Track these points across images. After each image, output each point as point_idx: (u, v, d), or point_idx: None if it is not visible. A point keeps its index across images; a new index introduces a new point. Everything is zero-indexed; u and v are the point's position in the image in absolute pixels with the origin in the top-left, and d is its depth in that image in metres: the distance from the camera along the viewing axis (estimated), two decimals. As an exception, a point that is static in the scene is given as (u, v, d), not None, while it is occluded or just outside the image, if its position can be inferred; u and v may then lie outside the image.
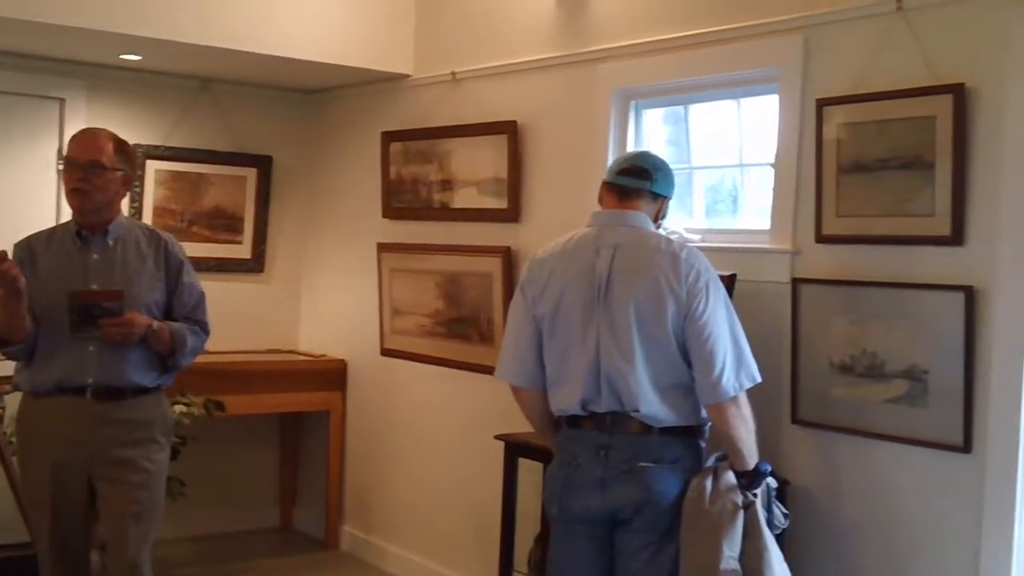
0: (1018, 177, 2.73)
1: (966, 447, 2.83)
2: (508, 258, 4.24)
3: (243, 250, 5.44)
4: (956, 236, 2.86)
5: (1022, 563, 2.74)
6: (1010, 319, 2.74)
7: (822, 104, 3.15)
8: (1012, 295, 2.74)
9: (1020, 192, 2.72)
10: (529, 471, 3.72)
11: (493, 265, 4.31)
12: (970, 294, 2.82)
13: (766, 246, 3.35)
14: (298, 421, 5.62)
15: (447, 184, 4.59)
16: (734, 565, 2.71)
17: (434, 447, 4.73)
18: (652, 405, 2.79)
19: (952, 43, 2.88)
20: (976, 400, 2.82)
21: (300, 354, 5.53)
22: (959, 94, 2.82)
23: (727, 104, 3.69)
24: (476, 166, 4.43)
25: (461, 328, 4.52)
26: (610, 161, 3.52)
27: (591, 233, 2.94)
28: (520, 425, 3.31)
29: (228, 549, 5.22)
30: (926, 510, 2.94)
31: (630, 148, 3.82)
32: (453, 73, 4.55)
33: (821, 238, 3.17)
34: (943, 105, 2.86)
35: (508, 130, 4.25)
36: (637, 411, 2.79)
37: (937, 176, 2.89)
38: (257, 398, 5.03)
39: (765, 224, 3.41)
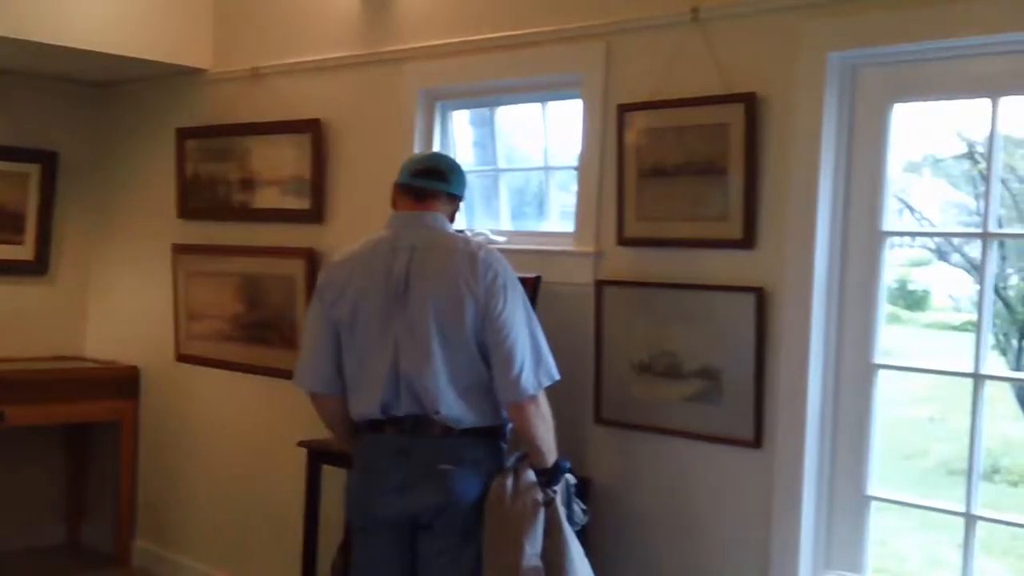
0: (805, 183, 2.86)
1: (757, 442, 2.95)
2: (311, 260, 4.15)
3: (25, 251, 5.13)
4: (748, 240, 2.97)
5: (808, 550, 2.88)
6: (796, 319, 2.87)
7: (623, 110, 3.22)
8: (798, 296, 2.87)
9: (807, 197, 2.86)
10: (333, 478, 3.64)
11: (295, 267, 4.21)
12: (761, 296, 2.93)
13: (570, 248, 3.39)
14: (86, 432, 5.33)
15: (247, 183, 4.44)
16: (536, 562, 2.72)
17: (234, 455, 4.57)
18: (452, 406, 2.78)
19: (744, 54, 3.00)
20: (766, 397, 2.93)
21: (88, 360, 5.25)
22: (750, 103, 2.94)
23: (533, 107, 3.72)
24: (278, 165, 4.31)
25: (262, 332, 4.38)
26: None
27: (388, 235, 2.91)
28: (325, 431, 3.23)
29: (8, 569, 4.89)
30: (720, 502, 3.04)
31: (436, 149, 3.80)
32: (254, 68, 4.41)
33: (622, 240, 3.24)
34: (735, 113, 2.97)
35: (311, 128, 4.15)
36: (438, 413, 2.77)
37: (730, 182, 2.99)
38: (41, 408, 4.75)
39: (570, 227, 3.46)
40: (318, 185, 4.16)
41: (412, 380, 2.78)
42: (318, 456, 3.70)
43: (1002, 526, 3.08)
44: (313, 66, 4.21)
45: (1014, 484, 7.37)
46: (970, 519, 2.71)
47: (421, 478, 2.78)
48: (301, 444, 3.75)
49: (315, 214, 4.17)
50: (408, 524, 2.82)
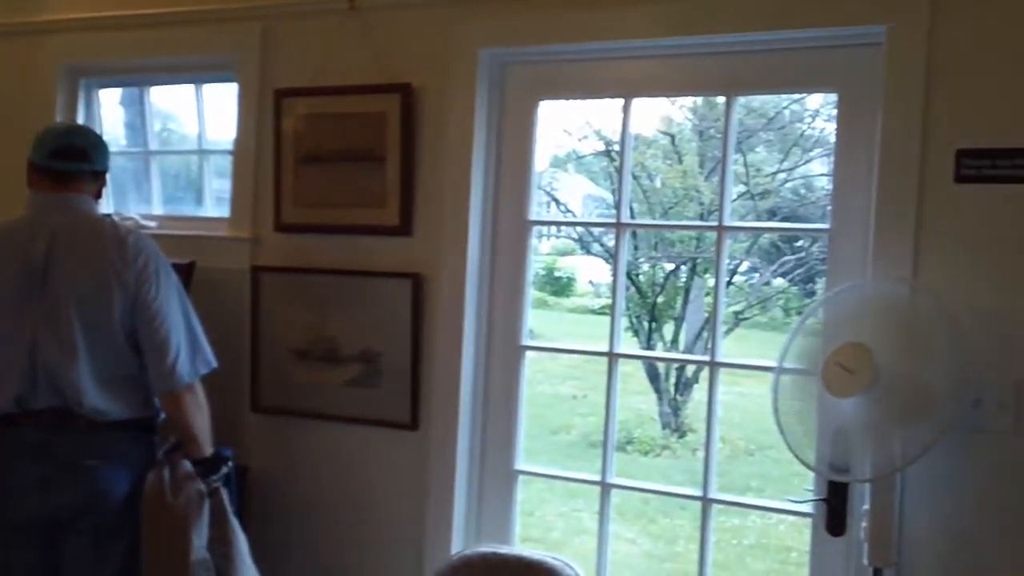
0: (458, 173, 2.97)
1: (413, 424, 3.04)
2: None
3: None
4: (404, 227, 3.05)
5: (460, 524, 3.01)
6: (451, 304, 2.99)
7: (280, 95, 3.19)
8: (452, 282, 2.99)
9: (460, 187, 2.97)
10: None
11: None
12: (417, 281, 3.02)
13: (225, 234, 3.32)
14: None
15: None
16: (204, 554, 2.66)
17: None
18: (98, 399, 2.66)
19: (401, 44, 3.07)
20: (422, 380, 3.03)
21: None
22: (407, 93, 3.02)
23: (188, 89, 3.60)
24: None
25: None
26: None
27: (27, 218, 2.73)
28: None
29: None
30: (380, 484, 3.11)
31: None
32: None
33: (280, 227, 3.22)
34: (392, 103, 3.03)
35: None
36: (81, 406, 2.64)
37: (387, 170, 3.05)
38: None
39: (226, 212, 3.38)
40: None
41: (52, 372, 2.63)
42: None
43: (636, 492, 3.36)
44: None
45: (645, 453, 8.08)
46: (605, 487, 2.94)
47: (63, 475, 2.63)
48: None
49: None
50: (49, 523, 2.66)
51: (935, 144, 2.42)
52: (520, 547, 3.04)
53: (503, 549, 2.85)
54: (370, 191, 3.09)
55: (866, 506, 2.38)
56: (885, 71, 2.47)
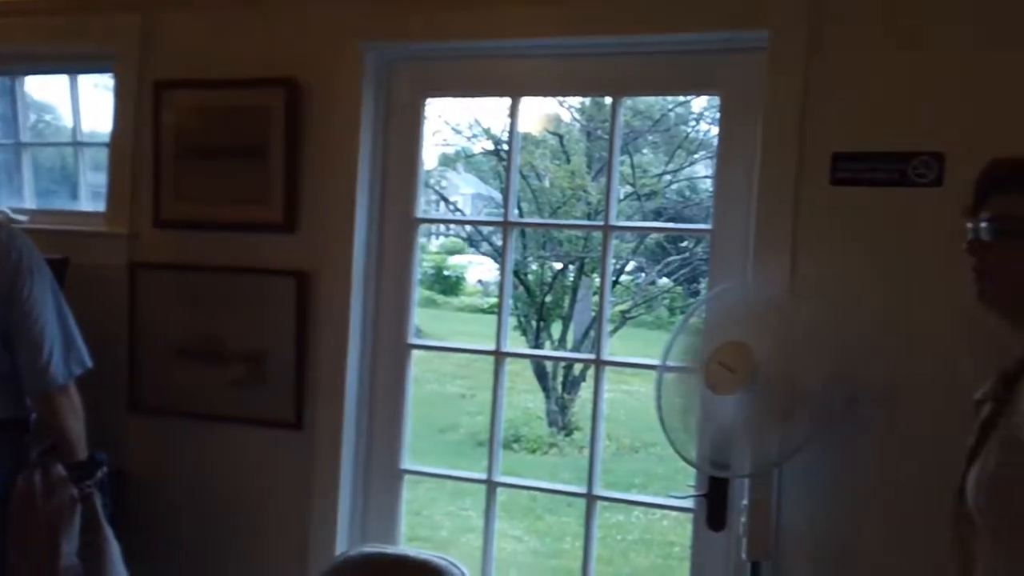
0: (344, 170, 2.94)
1: (298, 424, 2.99)
2: None
3: None
4: (289, 224, 2.99)
5: (345, 525, 2.98)
6: (336, 303, 2.95)
7: (160, 87, 3.11)
8: (338, 280, 2.95)
9: (346, 184, 2.94)
10: None
11: None
12: (302, 279, 2.98)
13: (101, 229, 3.21)
14: None
15: None
16: (73, 561, 2.57)
17: None
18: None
19: (285, 37, 3.01)
20: (308, 380, 2.99)
21: None
22: (291, 88, 2.97)
23: (63, 79, 3.48)
24: None
25: None
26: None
27: None
28: None
29: None
30: (263, 486, 3.05)
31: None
32: None
33: (159, 222, 3.13)
34: (277, 97, 2.98)
35: None
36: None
37: (271, 166, 3.00)
38: None
39: (102, 207, 3.28)
40: None
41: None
42: None
43: (524, 490, 3.37)
44: None
45: (532, 451, 8.13)
46: (491, 486, 2.94)
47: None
48: None
49: None
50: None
51: (812, 147, 2.48)
52: (406, 547, 3.03)
53: (388, 549, 2.83)
54: (254, 187, 3.03)
55: (745, 501, 2.44)
56: (765, 75, 2.52)
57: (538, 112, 8.12)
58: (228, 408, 3.07)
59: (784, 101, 2.50)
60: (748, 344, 2.31)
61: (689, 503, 2.67)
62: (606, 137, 2.82)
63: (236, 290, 3.06)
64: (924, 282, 2.36)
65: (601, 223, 2.85)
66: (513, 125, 2.93)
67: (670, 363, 2.50)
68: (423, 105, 2.98)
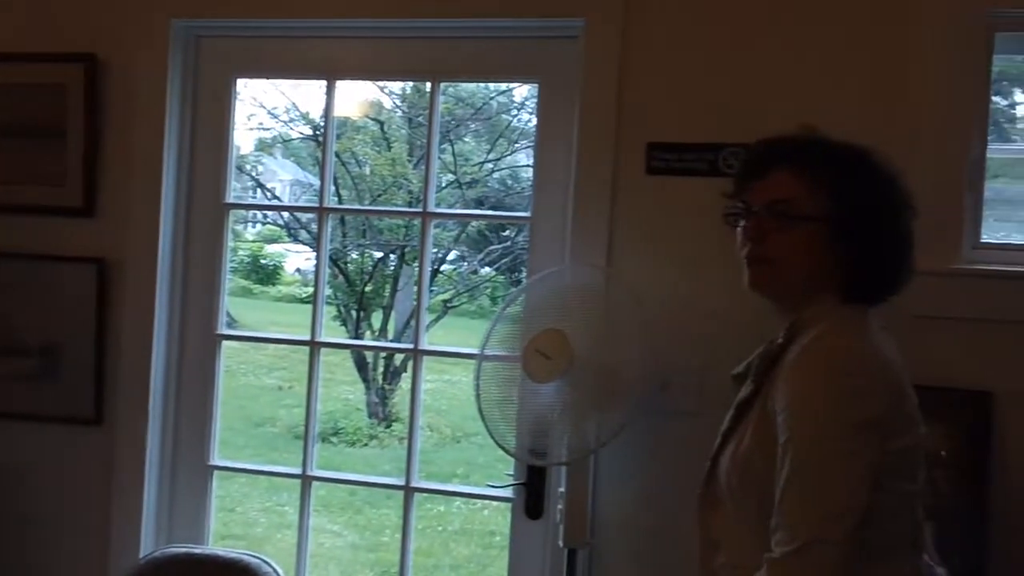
0: (149, 152, 2.79)
1: (98, 419, 2.83)
2: None
3: None
4: (88, 208, 2.83)
5: (151, 526, 2.83)
6: (140, 292, 2.80)
7: (-59, 59, 2.88)
8: (142, 268, 2.80)
9: (151, 166, 2.79)
10: None
11: None
12: (102, 266, 2.81)
13: None
14: None
15: None
16: None
17: None
18: None
19: (82, 10, 2.84)
20: (108, 373, 2.82)
21: None
22: (90, 64, 2.79)
23: None
24: None
25: None
26: None
27: None
28: None
29: None
30: (60, 487, 2.87)
31: None
32: None
33: (-58, 205, 2.90)
34: (74, 74, 2.80)
35: None
36: None
37: (69, 146, 2.82)
38: None
39: None
40: None
41: None
42: None
43: (342, 484, 3.29)
44: None
45: (352, 444, 8.01)
46: (306, 480, 2.85)
47: None
48: None
49: None
50: None
51: (628, 137, 2.51)
52: (216, 546, 2.91)
53: (197, 549, 2.71)
54: (49, 169, 2.85)
55: (562, 489, 2.44)
56: (581, 64, 2.53)
57: (359, 98, 7.98)
58: (17, 404, 2.88)
59: (600, 90, 2.51)
60: (565, 332, 2.31)
61: (508, 492, 2.66)
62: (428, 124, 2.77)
63: (29, 278, 2.87)
64: (733, 269, 2.41)
65: (420, 210, 2.81)
66: (329, 108, 2.84)
67: (488, 352, 2.48)
68: (234, 85, 2.86)
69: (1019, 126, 3.14)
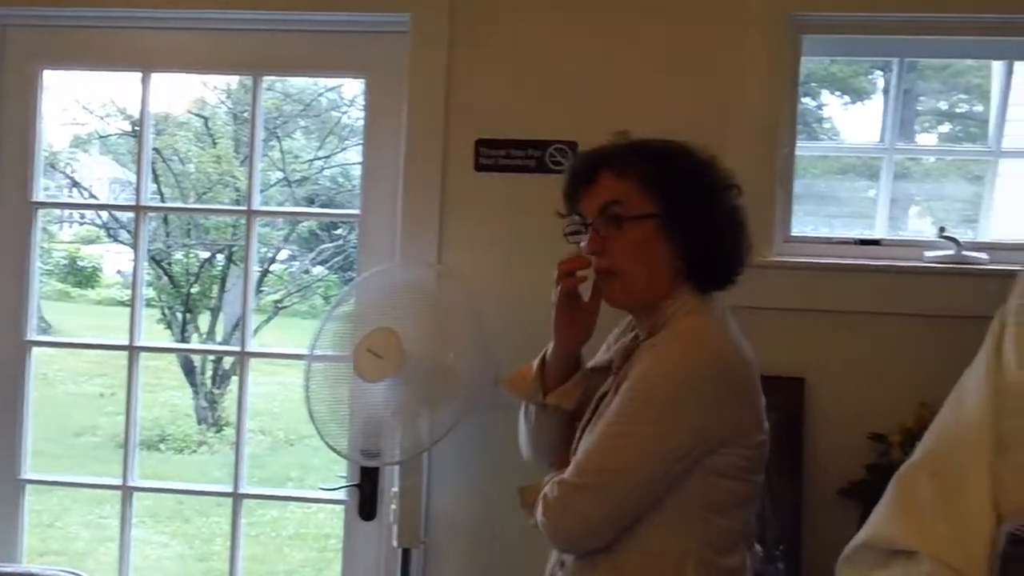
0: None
1: None
2: None
3: None
4: None
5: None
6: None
7: None
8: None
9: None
10: None
11: None
12: None
13: None
14: None
15: None
16: None
17: None
18: None
19: None
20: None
21: None
22: None
23: None
24: None
25: None
26: None
27: None
28: None
29: None
30: None
31: None
32: None
33: None
34: None
35: None
36: None
37: None
38: None
39: None
40: None
41: None
42: None
43: (166, 493, 3.17)
44: None
45: (180, 451, 7.74)
46: (127, 491, 2.74)
47: None
48: None
49: None
50: None
51: (457, 133, 2.50)
52: (32, 564, 2.76)
53: (8, 568, 2.57)
54: None
55: (395, 488, 2.42)
56: (408, 60, 2.51)
57: (181, 93, 7.71)
58: None
59: (428, 87, 2.50)
60: (396, 330, 2.29)
61: (342, 495, 2.61)
62: (251, 119, 2.70)
63: None
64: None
65: (244, 208, 2.73)
66: (145, 102, 2.74)
67: (318, 352, 2.43)
68: (39, 76, 2.72)
69: (826, 125, 3.31)
